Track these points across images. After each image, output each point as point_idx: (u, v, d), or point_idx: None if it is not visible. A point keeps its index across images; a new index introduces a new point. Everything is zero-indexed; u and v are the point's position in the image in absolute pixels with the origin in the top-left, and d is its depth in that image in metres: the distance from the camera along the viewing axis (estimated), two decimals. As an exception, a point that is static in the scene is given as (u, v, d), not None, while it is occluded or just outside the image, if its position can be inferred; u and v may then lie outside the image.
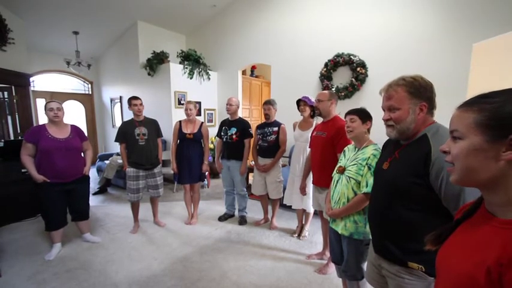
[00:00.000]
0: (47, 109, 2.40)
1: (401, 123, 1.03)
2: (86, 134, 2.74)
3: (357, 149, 1.62)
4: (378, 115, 1.81)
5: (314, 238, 2.88)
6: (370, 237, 1.22)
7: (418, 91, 1.01)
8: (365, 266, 1.40)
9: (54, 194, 2.43)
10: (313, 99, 2.65)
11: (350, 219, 1.53)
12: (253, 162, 3.23)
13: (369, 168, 1.46)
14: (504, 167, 0.50)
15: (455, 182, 0.58)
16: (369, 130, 1.63)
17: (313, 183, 2.38)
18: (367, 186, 1.45)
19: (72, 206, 2.63)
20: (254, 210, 3.59)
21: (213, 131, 4.28)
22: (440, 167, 0.88)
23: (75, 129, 2.59)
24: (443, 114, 1.07)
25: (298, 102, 2.72)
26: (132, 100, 2.89)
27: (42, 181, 2.34)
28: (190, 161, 3.06)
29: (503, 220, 0.51)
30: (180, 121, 3.14)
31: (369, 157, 1.49)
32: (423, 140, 0.99)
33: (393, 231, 1.05)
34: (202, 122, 3.17)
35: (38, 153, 2.36)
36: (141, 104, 2.91)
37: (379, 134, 1.87)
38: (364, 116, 1.61)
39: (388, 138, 1.18)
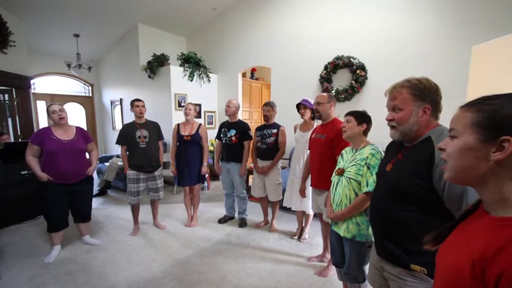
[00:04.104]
0: (49, 112, 2.41)
1: (404, 124, 1.04)
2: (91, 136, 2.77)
3: (354, 150, 1.63)
4: (377, 117, 1.82)
5: (314, 240, 2.88)
6: (373, 239, 1.22)
7: (422, 93, 1.01)
8: (367, 268, 1.39)
9: (57, 195, 2.44)
10: (312, 102, 2.65)
11: (352, 222, 1.53)
12: (252, 164, 3.23)
13: (368, 168, 1.47)
14: (493, 167, 0.52)
15: (448, 179, 0.61)
16: (365, 132, 1.64)
17: (311, 185, 2.38)
18: (367, 185, 1.45)
19: (75, 207, 2.63)
20: (254, 212, 3.58)
21: (213, 133, 4.28)
22: (442, 169, 0.88)
23: (80, 131, 2.61)
24: (443, 116, 1.08)
25: (298, 106, 2.73)
26: (135, 102, 2.91)
27: (47, 179, 2.34)
28: (189, 163, 3.06)
29: (492, 217, 0.53)
30: (178, 124, 3.15)
31: (367, 156, 1.50)
32: (427, 142, 0.99)
33: (395, 233, 1.05)
34: (200, 124, 3.17)
35: (43, 155, 2.38)
36: (143, 106, 2.93)
37: (379, 137, 1.88)
38: (360, 117, 1.63)
39: (391, 140, 1.18)
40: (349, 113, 1.67)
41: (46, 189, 2.40)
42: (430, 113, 1.02)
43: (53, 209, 2.46)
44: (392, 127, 1.09)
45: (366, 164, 1.49)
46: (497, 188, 0.52)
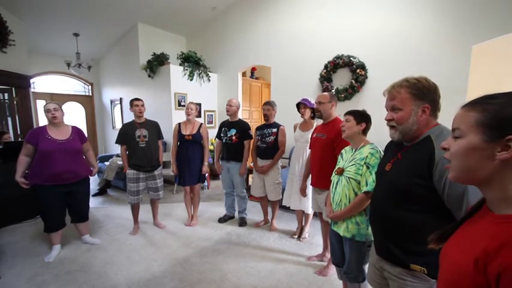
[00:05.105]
0: (45, 111, 2.40)
1: (403, 124, 1.04)
2: (86, 136, 2.73)
3: (353, 150, 1.63)
4: (378, 117, 1.81)
5: (314, 240, 2.88)
6: (372, 238, 1.22)
7: (421, 93, 1.01)
8: (366, 267, 1.39)
9: (53, 196, 2.42)
10: (312, 101, 2.66)
11: (352, 221, 1.53)
12: (252, 163, 3.23)
13: (368, 167, 1.47)
14: (498, 166, 0.52)
15: (453, 178, 0.61)
16: (364, 131, 1.64)
17: (311, 184, 2.39)
18: (367, 185, 1.45)
19: (71, 207, 2.62)
20: (254, 211, 3.58)
21: (213, 133, 4.28)
22: (443, 169, 0.88)
23: (76, 130, 2.59)
24: (443, 115, 1.07)
25: (298, 105, 2.73)
26: (134, 101, 2.90)
27: (23, 184, 2.33)
28: (190, 163, 3.06)
29: (496, 215, 0.54)
30: (179, 123, 3.15)
31: (367, 156, 1.50)
32: (427, 141, 0.99)
33: (395, 232, 1.05)
34: (201, 123, 3.17)
35: (38, 154, 2.35)
36: (142, 105, 2.92)
37: (380, 136, 1.87)
38: (358, 117, 1.62)
39: (390, 140, 1.18)
40: (348, 113, 1.67)
41: (42, 189, 2.37)
42: (429, 112, 1.01)
43: (49, 209, 2.45)
44: (391, 127, 1.09)
45: (365, 163, 1.49)
46: (502, 187, 0.52)
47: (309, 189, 2.54)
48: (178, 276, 2.25)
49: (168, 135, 3.80)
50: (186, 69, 5.03)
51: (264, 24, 4.74)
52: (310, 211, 2.72)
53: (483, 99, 0.56)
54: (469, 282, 0.50)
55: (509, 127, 0.50)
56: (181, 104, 4.96)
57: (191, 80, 5.13)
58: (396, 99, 1.05)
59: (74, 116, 6.48)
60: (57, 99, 5.76)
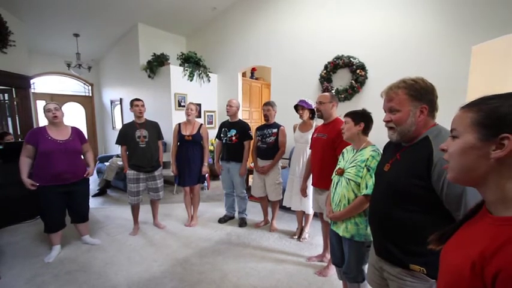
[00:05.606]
0: (45, 111, 2.40)
1: (402, 125, 1.04)
2: (86, 136, 2.73)
3: (355, 150, 1.62)
4: (377, 117, 1.81)
5: (314, 240, 2.88)
6: (371, 239, 1.22)
7: (418, 93, 1.01)
8: (366, 268, 1.39)
9: (53, 196, 2.42)
10: (310, 102, 2.66)
11: (351, 221, 1.53)
12: (252, 163, 3.23)
13: (368, 170, 1.47)
14: (494, 165, 0.52)
15: (451, 179, 0.61)
16: (364, 131, 1.62)
17: (312, 185, 2.39)
18: (366, 187, 1.45)
19: (71, 208, 2.62)
20: (254, 212, 3.58)
21: (213, 133, 4.28)
22: (442, 169, 0.88)
23: (75, 131, 2.59)
24: (443, 116, 1.07)
25: (296, 106, 2.73)
26: (134, 101, 2.90)
27: (31, 185, 2.32)
28: (190, 163, 3.06)
29: (495, 217, 0.54)
30: (179, 124, 3.15)
31: (368, 158, 1.49)
32: (425, 142, 0.99)
33: (394, 233, 1.05)
34: (201, 124, 3.18)
35: (38, 155, 2.36)
36: (142, 105, 2.93)
37: (379, 136, 1.87)
38: (356, 117, 1.61)
39: (389, 140, 1.18)
40: (346, 114, 1.67)
41: (42, 190, 2.38)
42: (427, 112, 1.02)
43: (49, 210, 2.45)
44: (390, 128, 1.09)
45: (365, 166, 1.48)
46: (499, 188, 0.53)
47: (310, 189, 2.54)
48: (178, 276, 2.25)
49: (168, 135, 3.80)
50: (186, 70, 5.03)
51: (264, 24, 4.74)
52: (311, 211, 2.72)
53: (481, 100, 0.57)
54: (467, 285, 0.50)
55: (503, 126, 0.51)
56: (181, 104, 4.96)
57: (191, 80, 5.13)
58: (394, 100, 1.05)
59: (74, 116, 6.48)
60: (57, 100, 5.74)
